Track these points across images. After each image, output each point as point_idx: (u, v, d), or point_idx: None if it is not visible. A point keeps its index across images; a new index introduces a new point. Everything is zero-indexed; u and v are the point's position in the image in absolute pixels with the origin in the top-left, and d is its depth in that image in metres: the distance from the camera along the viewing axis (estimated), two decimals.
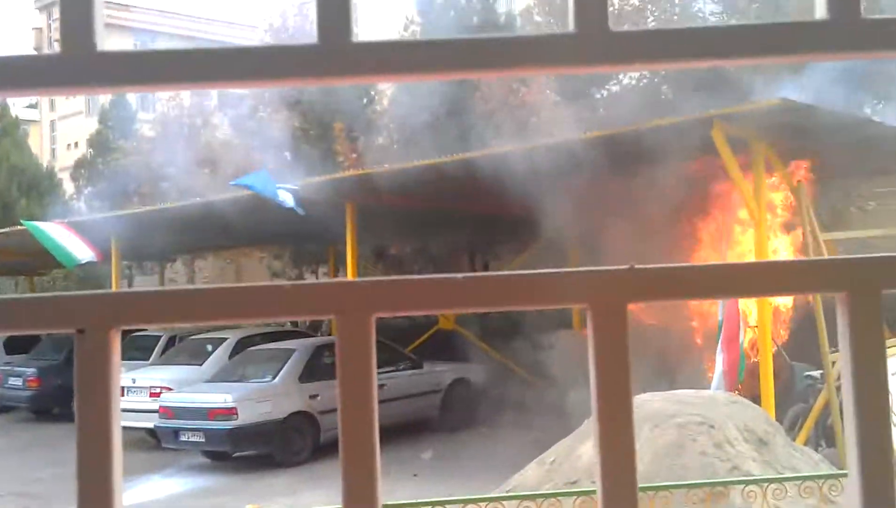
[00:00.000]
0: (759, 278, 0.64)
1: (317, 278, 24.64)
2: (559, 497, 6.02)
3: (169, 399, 15.13)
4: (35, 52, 0.72)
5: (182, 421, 14.41)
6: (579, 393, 12.91)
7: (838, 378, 11.17)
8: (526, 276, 0.65)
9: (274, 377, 14.78)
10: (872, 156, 12.61)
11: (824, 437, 11.24)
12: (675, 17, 16.89)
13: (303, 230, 17.24)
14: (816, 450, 10.08)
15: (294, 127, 19.65)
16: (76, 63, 0.65)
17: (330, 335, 19.64)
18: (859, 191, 15.51)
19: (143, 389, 16.43)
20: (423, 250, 21.21)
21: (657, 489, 5.97)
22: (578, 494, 6.28)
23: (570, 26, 0.64)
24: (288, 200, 13.47)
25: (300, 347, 15.42)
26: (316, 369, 14.86)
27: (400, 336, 20.67)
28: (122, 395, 16.58)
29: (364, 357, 0.64)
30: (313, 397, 14.54)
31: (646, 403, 8.04)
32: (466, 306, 0.65)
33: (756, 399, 10.11)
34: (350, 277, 15.56)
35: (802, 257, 10.68)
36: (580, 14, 0.64)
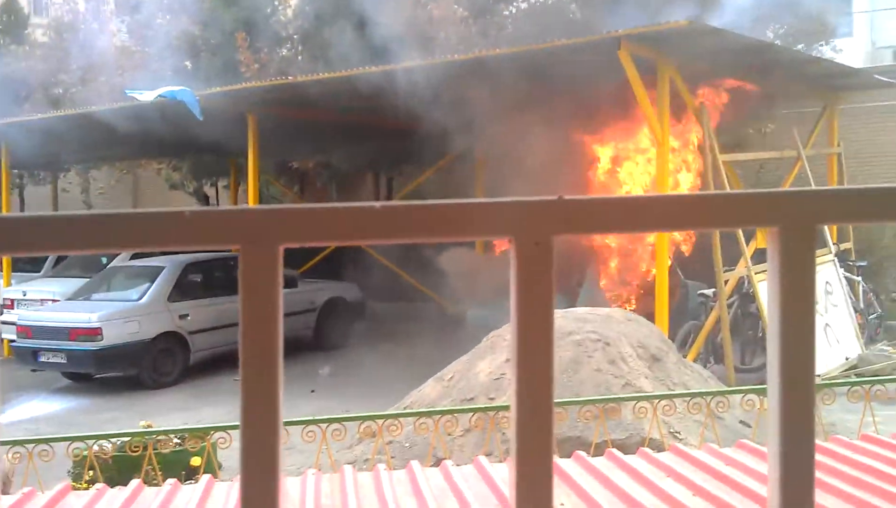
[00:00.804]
0: (689, 212, 0.61)
1: (216, 191, 24.16)
2: (456, 414, 6.08)
3: (27, 318, 14.41)
4: None
5: (41, 341, 13.71)
6: (478, 311, 13.08)
7: (730, 296, 11.54)
8: (448, 207, 0.61)
9: (141, 297, 14.17)
10: (773, 79, 12.87)
11: (713, 354, 11.63)
12: None
13: (202, 142, 16.81)
14: (706, 366, 10.44)
15: (194, 36, 19.00)
16: None
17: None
18: (759, 114, 15.84)
19: (33, 302, 15.94)
20: (328, 165, 20.93)
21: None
22: (475, 410, 6.37)
23: None
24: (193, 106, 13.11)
25: (169, 264, 14.70)
26: (186, 288, 14.45)
27: (298, 251, 20.53)
28: (12, 308, 16.07)
29: (270, 289, 0.60)
30: (183, 317, 14.13)
31: None
32: (383, 238, 0.61)
33: (651, 316, 10.36)
34: (251, 190, 15.28)
35: (726, 190, 10.90)
36: None
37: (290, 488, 4.10)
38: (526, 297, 0.61)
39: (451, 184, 19.00)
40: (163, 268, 14.54)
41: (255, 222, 0.60)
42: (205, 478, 4.13)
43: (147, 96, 13.34)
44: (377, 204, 0.60)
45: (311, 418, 5.48)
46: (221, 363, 14.01)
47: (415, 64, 12.23)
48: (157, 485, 4.61)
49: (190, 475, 6.59)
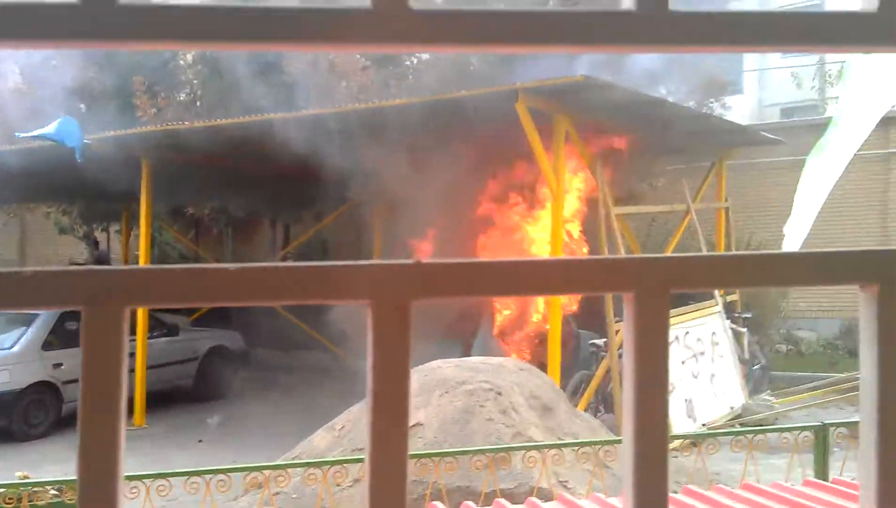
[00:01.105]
0: (548, 277, 0.61)
1: (108, 236, 23.56)
2: (345, 464, 6.00)
3: None
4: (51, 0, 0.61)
5: None
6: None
7: (620, 347, 11.73)
8: (305, 269, 0.59)
9: (14, 345, 13.53)
10: (665, 135, 13.25)
11: (604, 403, 11.78)
12: None
13: (94, 186, 16.40)
14: (596, 415, 10.57)
15: (90, 78, 18.61)
16: (95, 15, 0.56)
17: None
18: (651, 169, 16.27)
19: None
20: (224, 211, 20.65)
21: (442, 454, 6.06)
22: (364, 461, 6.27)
23: (367, 1, 0.59)
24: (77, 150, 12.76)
25: (44, 312, 13.86)
26: (61, 335, 13.83)
27: None
28: None
29: (115, 351, 0.57)
30: (57, 366, 13.56)
31: (437, 370, 8.16)
32: (237, 300, 0.59)
33: (543, 365, 10.45)
34: (143, 235, 14.93)
35: (592, 255, 11.08)
36: None
37: None
38: (383, 362, 0.60)
39: (350, 231, 18.96)
40: (37, 315, 13.92)
41: (99, 282, 0.57)
42: None
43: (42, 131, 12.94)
44: (231, 266, 0.58)
45: (193, 469, 5.33)
46: None
47: (313, 112, 12.22)
48: None
49: None
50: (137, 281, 0.58)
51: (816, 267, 0.64)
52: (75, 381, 13.31)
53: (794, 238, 8.57)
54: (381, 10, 0.59)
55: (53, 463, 11.39)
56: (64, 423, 13.43)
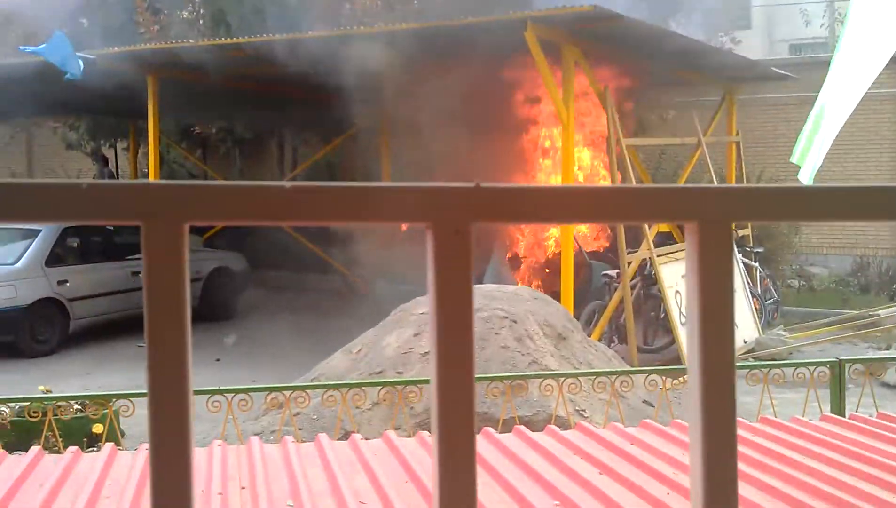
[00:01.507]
0: (608, 204, 0.60)
1: (115, 152, 23.51)
2: (364, 387, 6.06)
3: None
4: None
5: None
6: (385, 285, 13.07)
7: (633, 277, 11.74)
8: (362, 190, 0.58)
9: (17, 260, 13.41)
10: (675, 68, 13.09)
11: (617, 333, 11.84)
12: None
13: (101, 102, 16.31)
14: (609, 345, 10.62)
15: None
16: None
17: None
18: (660, 101, 16.11)
19: None
20: (231, 132, 20.56)
21: None
22: (383, 384, 6.35)
23: None
24: (76, 70, 12.64)
25: (46, 227, 13.77)
26: (64, 251, 13.82)
27: None
28: None
29: (176, 268, 0.57)
30: (62, 282, 13.51)
31: None
32: (294, 219, 0.58)
33: (555, 295, 10.48)
34: (151, 153, 14.86)
35: (646, 185, 11.01)
36: None
37: (197, 458, 4.04)
38: (444, 285, 0.59)
39: (358, 155, 18.86)
40: (39, 231, 13.76)
41: (159, 197, 0.56)
42: (107, 447, 4.04)
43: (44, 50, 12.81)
44: (288, 184, 0.57)
45: (216, 388, 5.39)
46: (113, 329, 13.71)
47: (319, 34, 12.09)
48: (57, 452, 4.50)
49: (92, 442, 6.44)
50: (197, 196, 0.57)
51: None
52: (82, 298, 13.53)
53: (805, 172, 8.53)
54: None
55: (65, 378, 11.54)
56: (72, 340, 13.52)
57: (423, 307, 8.04)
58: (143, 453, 4.07)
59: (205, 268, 15.45)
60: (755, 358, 11.88)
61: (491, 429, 4.59)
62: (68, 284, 13.52)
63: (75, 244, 14.10)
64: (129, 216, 0.57)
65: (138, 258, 13.77)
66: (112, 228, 14.55)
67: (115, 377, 11.54)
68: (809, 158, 8.37)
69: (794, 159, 8.76)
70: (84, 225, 14.23)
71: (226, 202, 0.57)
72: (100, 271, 13.84)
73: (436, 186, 0.59)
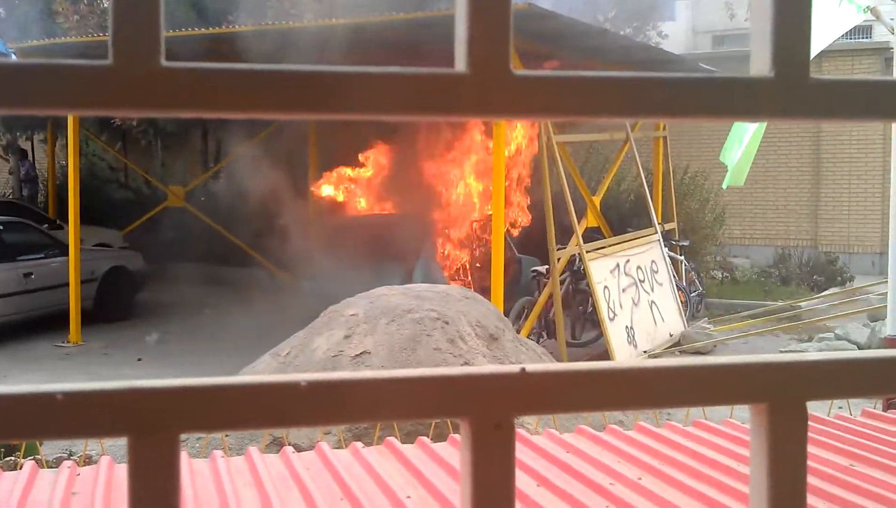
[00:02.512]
0: (669, 386, 0.53)
1: (32, 145, 22.83)
2: None
3: None
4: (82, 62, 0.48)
5: None
6: (313, 281, 12.90)
7: (562, 273, 11.78)
8: (392, 381, 0.49)
9: None
10: (604, 64, 13.16)
11: (546, 329, 11.87)
12: None
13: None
14: (538, 341, 10.64)
15: None
16: (133, 79, 0.44)
17: None
18: None
19: None
20: (152, 123, 20.07)
21: None
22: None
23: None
24: None
25: None
26: None
27: (122, 212, 19.69)
28: None
29: (169, 488, 0.47)
30: None
31: (383, 297, 8.09)
32: (310, 423, 0.49)
33: (484, 290, 10.46)
34: (70, 146, 14.41)
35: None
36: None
37: (121, 475, 3.89)
38: (482, 490, 0.51)
39: (284, 146, 18.55)
40: None
41: (148, 406, 0.47)
42: (28, 465, 3.88)
43: None
44: (303, 381, 0.48)
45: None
46: (25, 329, 13.33)
47: (250, 29, 11.89)
48: None
49: (10, 451, 6.24)
50: (192, 402, 0.48)
51: None
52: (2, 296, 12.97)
53: (734, 174, 8.63)
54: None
55: None
56: None
57: (352, 309, 7.93)
58: (66, 471, 3.92)
59: (99, 268, 14.72)
60: (681, 352, 12.03)
61: (426, 438, 4.52)
62: None
63: None
64: (116, 431, 0.47)
65: (29, 259, 13.43)
66: (1, 226, 14.07)
67: (29, 377, 11.20)
68: (737, 159, 8.49)
69: (724, 159, 8.87)
70: None
71: (225, 407, 0.48)
72: (9, 271, 13.23)
73: (474, 373, 0.51)
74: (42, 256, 13.91)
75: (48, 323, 13.57)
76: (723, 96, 0.53)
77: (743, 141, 8.31)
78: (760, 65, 0.54)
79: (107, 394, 0.46)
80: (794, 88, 0.53)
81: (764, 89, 0.54)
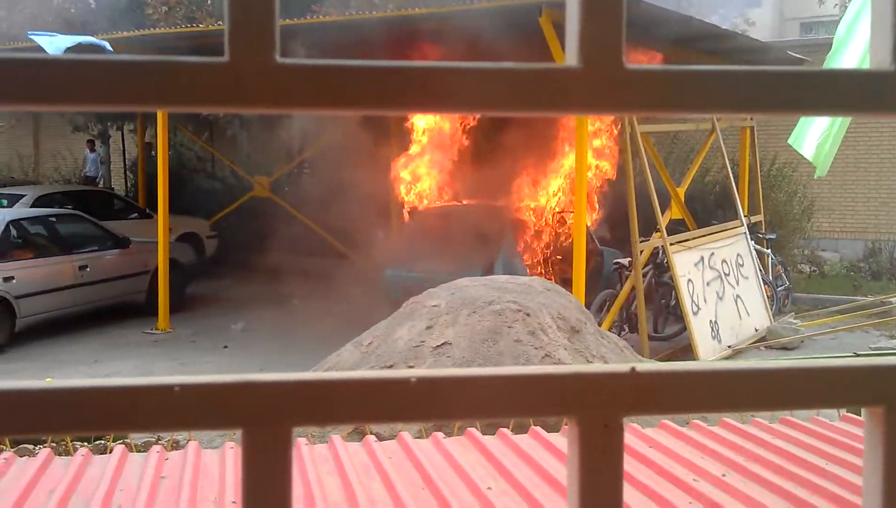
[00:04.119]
0: (774, 387, 0.52)
1: (122, 135, 23.39)
2: None
3: None
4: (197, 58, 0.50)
5: None
6: (395, 273, 12.96)
7: (645, 266, 11.65)
8: (505, 379, 0.50)
9: None
10: (690, 52, 12.94)
11: (628, 322, 11.76)
12: None
13: None
14: (620, 334, 10.54)
15: None
16: (249, 76, 0.46)
17: None
18: None
19: None
20: (237, 114, 20.37)
21: None
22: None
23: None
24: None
25: None
26: (10, 247, 13.16)
27: (209, 201, 20.05)
28: None
29: (279, 479, 0.48)
30: (7, 279, 12.75)
31: (464, 288, 8.10)
32: (420, 418, 0.50)
33: (567, 282, 10.40)
34: (160, 137, 14.70)
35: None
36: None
37: (206, 462, 3.97)
38: (591, 491, 0.50)
39: (368, 135, 18.64)
40: None
41: (260, 400, 0.48)
42: (118, 449, 3.98)
43: (58, 42, 12.73)
44: (413, 378, 0.49)
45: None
46: (63, 326, 13.28)
47: (322, 20, 11.99)
48: (66, 453, 4.44)
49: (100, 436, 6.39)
50: (305, 397, 0.48)
51: None
52: (28, 296, 13.09)
53: (821, 163, 8.44)
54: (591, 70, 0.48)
55: (23, 378, 11.23)
56: (20, 338, 12.80)
57: (434, 300, 7.96)
58: (154, 456, 4.01)
59: (151, 261, 14.62)
60: (766, 347, 11.81)
61: (506, 430, 4.52)
62: (14, 281, 12.82)
63: (24, 238, 13.56)
64: (229, 423, 0.48)
65: (85, 252, 13.67)
66: (54, 218, 14.31)
67: (119, 363, 11.51)
68: (808, 140, 8.30)
69: (791, 141, 8.70)
70: (33, 217, 14.13)
71: (334, 401, 0.48)
72: (50, 266, 13.26)
73: (583, 372, 0.50)
74: (97, 248, 13.99)
75: (105, 316, 13.73)
76: (844, 90, 0.52)
77: (813, 126, 8.12)
78: (882, 58, 0.52)
79: (222, 387, 0.47)
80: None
81: (887, 84, 0.52)
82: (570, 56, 0.50)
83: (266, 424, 0.47)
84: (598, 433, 0.50)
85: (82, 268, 13.48)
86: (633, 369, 0.50)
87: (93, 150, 22.84)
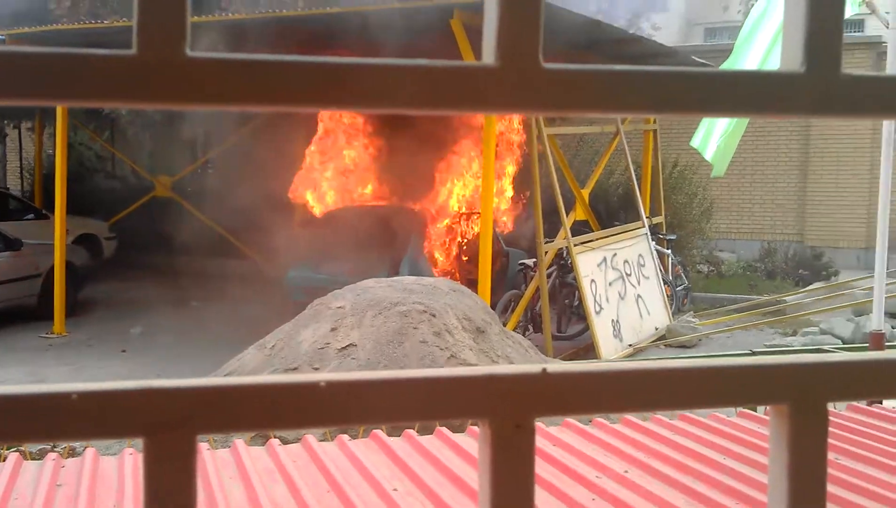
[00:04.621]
0: (688, 388, 0.52)
1: (20, 133, 22.71)
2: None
3: None
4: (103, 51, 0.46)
5: None
6: (297, 273, 12.85)
7: (549, 266, 11.79)
8: (411, 383, 0.49)
9: None
10: (598, 57, 13.13)
11: (532, 322, 11.88)
12: None
13: None
14: (524, 334, 10.65)
15: None
16: (158, 69, 0.43)
17: None
18: None
19: None
20: (140, 113, 19.91)
21: None
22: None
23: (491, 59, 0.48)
24: None
25: None
26: None
27: (109, 202, 19.59)
28: None
29: (183, 491, 0.46)
30: None
31: (370, 289, 8.08)
32: (330, 423, 0.48)
33: (473, 283, 10.45)
34: (59, 135, 14.30)
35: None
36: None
37: (104, 468, 3.87)
38: (502, 492, 0.50)
39: (271, 136, 18.43)
40: None
41: (164, 406, 0.46)
42: (12, 457, 3.86)
43: None
44: (322, 381, 0.47)
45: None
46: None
47: (231, 18, 11.83)
48: None
49: None
50: (209, 403, 0.46)
51: None
52: None
53: (718, 163, 8.65)
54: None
55: None
56: None
57: (339, 301, 7.91)
58: (50, 463, 3.90)
59: (43, 263, 14.15)
60: (666, 345, 12.06)
61: (412, 431, 4.51)
62: None
63: None
64: (130, 431, 0.46)
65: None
66: None
67: (15, 368, 11.15)
68: (711, 143, 8.51)
69: (695, 144, 8.90)
70: None
71: (243, 407, 0.47)
72: None
73: (495, 374, 0.50)
74: None
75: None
76: (756, 92, 0.53)
77: (715, 129, 8.33)
78: (793, 58, 0.53)
79: (122, 394, 0.45)
80: (827, 83, 0.52)
81: (795, 85, 0.53)
82: (487, 54, 0.50)
83: (169, 432, 0.46)
84: (510, 435, 0.50)
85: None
86: (544, 370, 0.50)
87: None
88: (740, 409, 4.65)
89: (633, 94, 0.51)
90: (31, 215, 17.46)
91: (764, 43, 7.92)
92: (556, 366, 0.50)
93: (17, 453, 4.04)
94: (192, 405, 0.46)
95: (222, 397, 0.47)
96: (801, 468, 0.53)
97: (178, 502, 0.46)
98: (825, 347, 10.45)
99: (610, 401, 0.52)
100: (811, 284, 16.07)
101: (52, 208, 14.70)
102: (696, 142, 8.85)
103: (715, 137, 8.44)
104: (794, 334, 12.48)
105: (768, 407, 0.54)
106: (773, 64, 7.88)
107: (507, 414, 0.50)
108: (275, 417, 0.47)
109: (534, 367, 0.50)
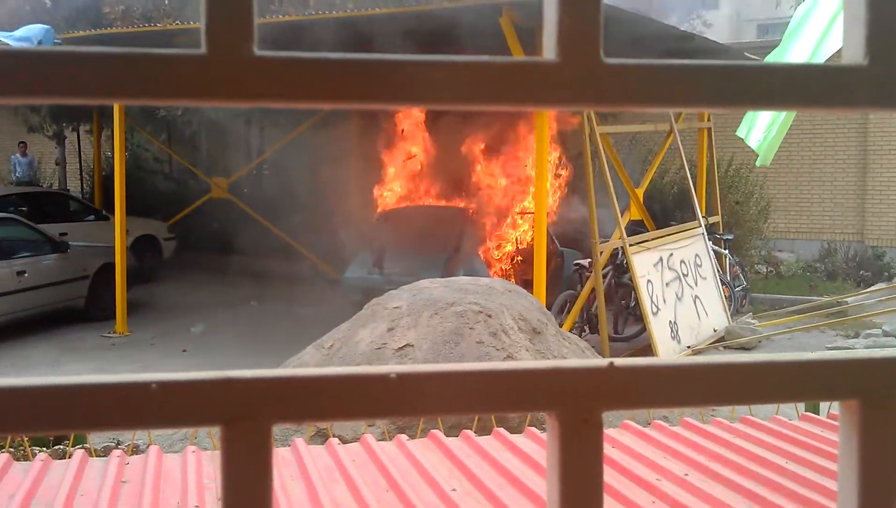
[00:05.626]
0: (751, 382, 0.52)
1: (78, 136, 23.12)
2: None
3: None
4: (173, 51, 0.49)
5: None
6: (355, 274, 12.93)
7: (605, 267, 11.72)
8: (485, 375, 0.50)
9: None
10: (650, 54, 13.03)
11: (588, 323, 11.81)
12: None
13: None
14: (580, 336, 10.60)
15: None
16: (226, 68, 0.45)
17: None
18: None
19: None
20: (197, 112, 20.19)
21: None
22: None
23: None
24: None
25: None
26: None
27: (167, 203, 19.87)
28: None
29: (260, 479, 0.47)
30: None
31: (425, 289, 8.10)
32: (402, 414, 0.49)
33: (527, 284, 10.42)
34: (116, 137, 14.52)
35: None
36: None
37: (168, 466, 3.93)
38: (570, 486, 0.50)
39: (327, 136, 18.56)
40: None
41: (240, 395, 0.47)
42: (77, 454, 3.94)
43: (21, 34, 12.54)
44: (393, 374, 0.48)
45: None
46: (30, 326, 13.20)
47: (291, 19, 11.92)
48: (25, 458, 4.38)
49: (58, 440, 6.32)
50: (285, 393, 0.48)
51: None
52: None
53: (764, 153, 8.53)
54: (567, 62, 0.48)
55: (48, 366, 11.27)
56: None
57: (396, 302, 7.95)
58: (115, 460, 3.97)
59: (91, 265, 14.34)
60: (725, 347, 11.93)
61: (470, 432, 4.52)
62: None
63: None
64: (207, 420, 0.47)
65: (22, 257, 13.36)
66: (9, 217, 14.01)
67: (79, 367, 11.37)
68: (755, 131, 8.41)
69: (740, 133, 8.80)
70: None
71: (317, 395, 0.48)
72: (12, 268, 13.00)
73: (562, 367, 0.51)
74: (35, 253, 13.58)
75: (56, 320, 13.42)
76: (818, 85, 0.52)
77: (759, 118, 8.22)
78: (854, 52, 0.53)
79: (200, 384, 0.47)
80: (890, 76, 0.52)
81: (857, 78, 0.53)
82: (547, 49, 0.50)
83: (245, 421, 0.47)
84: (578, 428, 0.51)
85: (20, 273, 13.07)
86: (611, 363, 0.51)
87: (24, 154, 22.39)
88: (802, 412, 4.59)
89: (695, 88, 0.52)
90: (91, 217, 17.79)
91: (813, 36, 7.80)
92: (623, 360, 0.51)
93: (83, 450, 4.12)
94: (267, 396, 0.47)
95: (297, 387, 0.48)
96: (871, 463, 0.53)
97: (255, 488, 0.47)
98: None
99: (676, 395, 0.52)
100: (873, 284, 15.78)
101: (111, 210, 14.93)
102: (740, 130, 8.76)
103: (760, 124, 8.34)
104: (857, 336, 12.27)
105: (832, 409, 0.54)
106: (823, 57, 7.77)
107: (574, 408, 0.50)
108: (346, 408, 0.48)
109: (600, 361, 0.50)
